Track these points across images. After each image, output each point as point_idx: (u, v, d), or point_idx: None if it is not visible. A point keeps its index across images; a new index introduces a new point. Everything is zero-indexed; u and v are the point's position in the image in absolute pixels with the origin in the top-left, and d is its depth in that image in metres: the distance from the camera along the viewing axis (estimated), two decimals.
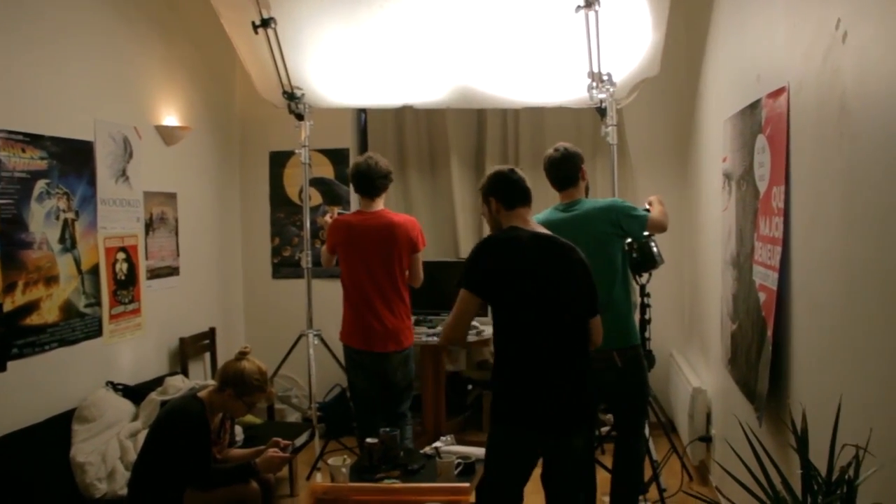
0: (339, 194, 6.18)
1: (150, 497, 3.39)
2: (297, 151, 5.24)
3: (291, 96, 5.04)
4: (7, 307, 3.68)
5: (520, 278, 2.99)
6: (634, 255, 3.95)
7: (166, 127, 5.10)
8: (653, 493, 4.25)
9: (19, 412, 3.74)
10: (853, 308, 2.18)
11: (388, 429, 3.86)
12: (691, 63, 5.31)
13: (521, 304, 3.00)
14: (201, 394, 3.53)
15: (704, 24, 4.74)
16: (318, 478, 4.88)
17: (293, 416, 5.98)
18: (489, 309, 3.11)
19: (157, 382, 4.57)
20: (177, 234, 5.30)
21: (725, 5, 4.11)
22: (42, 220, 3.94)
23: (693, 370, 5.11)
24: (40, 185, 3.93)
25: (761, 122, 3.14)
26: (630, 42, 4.69)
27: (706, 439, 4.59)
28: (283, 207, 6.30)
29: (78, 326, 4.20)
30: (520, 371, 3.01)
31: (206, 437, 3.45)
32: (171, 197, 5.24)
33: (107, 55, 4.54)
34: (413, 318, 4.70)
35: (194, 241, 5.52)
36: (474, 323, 4.96)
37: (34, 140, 3.90)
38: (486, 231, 5.89)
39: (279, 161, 6.26)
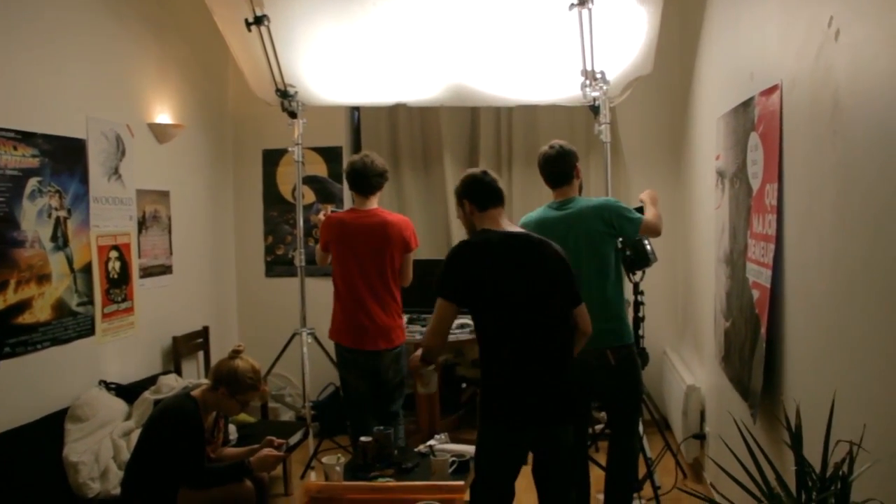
0: (333, 192, 6.17)
1: (144, 497, 3.38)
2: (290, 149, 5.24)
3: (284, 94, 5.03)
4: None
5: (493, 281, 3.02)
6: (628, 253, 3.96)
7: (159, 125, 5.09)
8: (647, 490, 4.26)
9: (12, 411, 3.72)
10: (847, 305, 2.18)
11: (381, 427, 3.86)
12: (685, 61, 5.32)
13: (497, 306, 3.03)
14: (195, 392, 3.52)
15: (698, 22, 4.75)
16: (313, 476, 4.88)
17: (287, 415, 5.97)
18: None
19: (151, 381, 4.56)
20: (170, 232, 5.29)
21: (719, 3, 4.12)
22: (34, 219, 3.92)
23: (687, 368, 5.12)
24: (32, 182, 3.92)
25: (754, 119, 3.14)
26: (623, 40, 4.70)
27: (700, 437, 4.59)
28: (276, 206, 6.29)
29: (70, 325, 4.18)
30: (503, 371, 3.04)
31: (199, 436, 3.45)
32: (164, 195, 5.23)
33: (99, 53, 4.53)
34: (406, 317, 4.70)
35: (187, 240, 5.51)
36: (468, 321, 4.96)
37: (26, 138, 3.88)
38: None
39: (272, 159, 6.25)
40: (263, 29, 4.63)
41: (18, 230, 3.81)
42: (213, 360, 5.27)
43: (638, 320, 4.20)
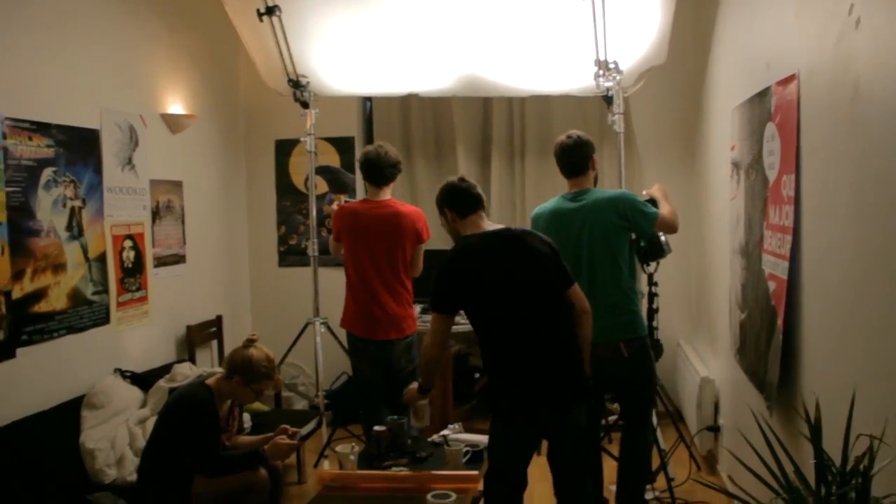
0: (345, 182, 6.17)
1: (160, 484, 3.40)
2: (302, 140, 5.24)
3: (296, 84, 5.02)
4: (16, 294, 3.68)
5: (482, 285, 3.08)
6: (642, 244, 3.94)
7: (171, 115, 5.09)
8: (660, 482, 4.25)
9: (29, 398, 3.75)
10: (865, 297, 2.17)
11: (395, 417, 3.86)
12: (699, 51, 5.29)
13: (490, 307, 3.09)
14: (209, 381, 3.54)
15: (712, 10, 4.71)
16: (326, 465, 4.89)
17: (300, 404, 5.99)
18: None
19: (165, 370, 4.58)
20: (183, 222, 5.30)
21: None
22: (49, 208, 3.94)
23: (701, 359, 5.10)
24: (47, 172, 3.93)
25: (771, 109, 3.12)
26: (637, 29, 4.67)
27: (714, 429, 4.59)
28: (288, 196, 6.29)
29: (86, 314, 4.20)
30: (507, 368, 3.09)
31: (214, 424, 3.46)
32: (177, 185, 5.24)
33: (112, 44, 4.53)
34: (419, 307, 4.70)
35: (201, 230, 5.52)
36: None
37: (41, 128, 3.89)
38: (493, 217, 5.91)
39: (285, 149, 6.25)
40: (275, 19, 4.62)
41: (34, 220, 3.83)
42: (227, 349, 5.29)
43: (652, 312, 4.19)
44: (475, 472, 3.37)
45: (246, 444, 3.72)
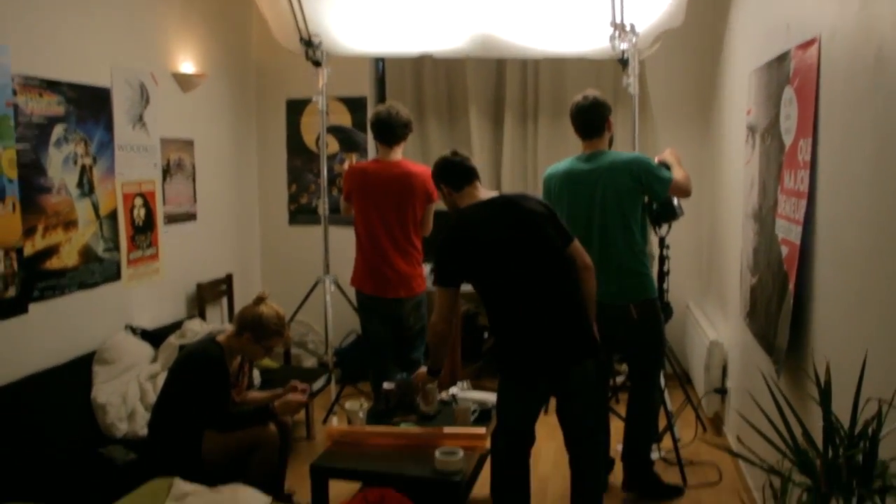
0: (357, 142, 6.15)
1: (170, 438, 3.44)
2: (314, 99, 5.21)
3: (308, 43, 4.99)
4: (27, 251, 3.70)
5: (482, 254, 3.12)
6: (655, 206, 3.93)
7: (182, 74, 5.07)
8: (667, 442, 4.28)
9: (42, 354, 3.79)
10: (880, 262, 2.16)
11: (404, 374, 3.88)
12: (717, 13, 5.22)
13: (491, 272, 3.13)
14: (220, 338, 3.56)
15: None
16: (335, 421, 4.93)
17: (309, 362, 6.03)
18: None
19: (176, 326, 4.61)
20: (194, 180, 5.30)
21: None
22: (60, 166, 3.94)
23: (710, 322, 5.11)
24: (58, 130, 3.92)
25: (789, 73, 3.09)
26: None
27: (722, 392, 4.60)
28: (300, 155, 6.28)
29: (97, 270, 4.22)
30: (513, 327, 3.14)
31: (224, 380, 3.49)
32: (188, 143, 5.23)
33: (123, 1, 4.50)
34: (428, 266, 4.71)
35: (211, 188, 5.52)
36: None
37: (51, 86, 3.88)
38: (505, 181, 5.92)
39: (296, 109, 6.22)
40: None
41: (45, 177, 3.83)
42: (237, 307, 5.32)
43: (662, 274, 4.19)
44: (483, 430, 3.40)
45: (256, 400, 3.76)
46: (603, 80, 5.69)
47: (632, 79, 4.56)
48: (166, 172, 4.95)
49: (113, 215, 4.37)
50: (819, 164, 2.70)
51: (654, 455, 4.10)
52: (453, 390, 3.81)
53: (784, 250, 3.07)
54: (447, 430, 3.41)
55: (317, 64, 5.09)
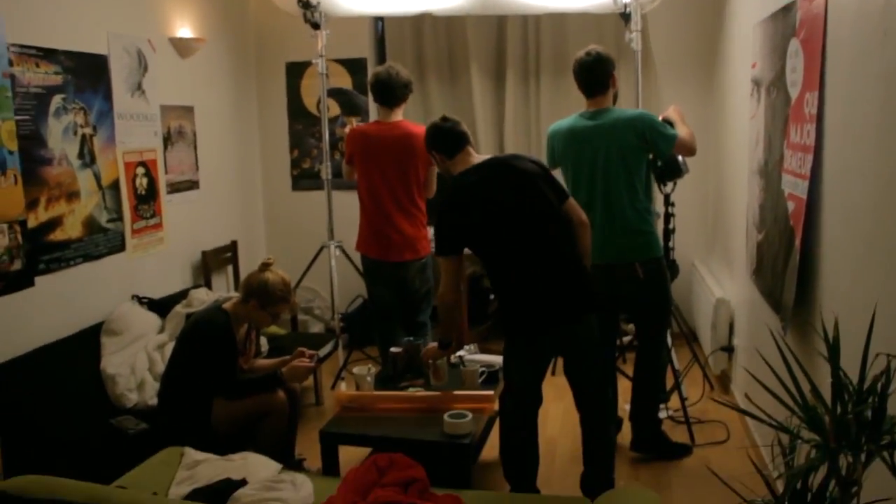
0: (358, 104, 6.10)
1: (180, 406, 3.46)
2: (314, 62, 5.16)
3: (307, 5, 4.92)
4: (31, 223, 3.69)
5: (480, 219, 3.13)
6: (659, 163, 3.90)
7: (180, 39, 5.01)
8: (674, 401, 4.29)
9: (49, 326, 3.80)
10: (887, 216, 2.13)
11: (411, 338, 3.89)
12: None
13: (489, 236, 3.14)
14: (226, 305, 3.56)
15: None
16: (343, 387, 4.94)
17: (316, 327, 6.05)
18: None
19: (182, 295, 4.61)
20: (195, 147, 5.27)
21: None
22: (60, 136, 3.91)
23: (716, 280, 5.10)
24: (56, 100, 3.89)
25: (795, 25, 3.04)
26: None
27: (728, 349, 4.61)
28: (301, 119, 6.23)
29: (101, 241, 4.22)
30: (515, 288, 3.15)
31: (231, 347, 3.50)
32: (189, 110, 5.19)
33: None
34: (431, 229, 4.70)
35: (213, 155, 5.50)
36: None
37: (47, 54, 3.84)
38: (507, 139, 5.88)
39: (296, 72, 6.17)
40: None
41: (46, 148, 3.81)
42: (242, 274, 5.31)
43: (668, 232, 4.17)
44: (491, 392, 3.41)
45: (263, 367, 3.77)
46: (605, 36, 5.62)
47: (634, 34, 4.50)
48: (167, 140, 4.93)
49: (115, 185, 4.36)
50: (826, 117, 2.67)
51: (662, 414, 4.12)
52: (461, 353, 3.81)
53: (790, 206, 3.04)
54: (455, 393, 3.41)
55: (315, 26, 5.02)
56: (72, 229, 3.98)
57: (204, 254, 5.24)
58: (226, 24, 5.71)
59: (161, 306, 4.43)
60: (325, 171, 5.21)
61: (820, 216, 2.75)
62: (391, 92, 4.27)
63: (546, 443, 3.98)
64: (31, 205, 3.70)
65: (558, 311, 3.12)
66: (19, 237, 3.61)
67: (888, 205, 2.13)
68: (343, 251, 5.28)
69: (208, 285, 5.15)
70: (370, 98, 5.68)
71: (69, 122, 3.98)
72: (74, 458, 3.25)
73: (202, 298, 4.52)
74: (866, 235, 2.31)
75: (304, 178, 6.27)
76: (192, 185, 5.24)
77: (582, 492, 3.37)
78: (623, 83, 5.50)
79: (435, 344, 3.48)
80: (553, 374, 4.50)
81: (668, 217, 4.18)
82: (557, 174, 3.76)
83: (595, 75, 3.71)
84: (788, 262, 3.03)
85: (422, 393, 3.46)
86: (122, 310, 4.18)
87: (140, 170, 4.62)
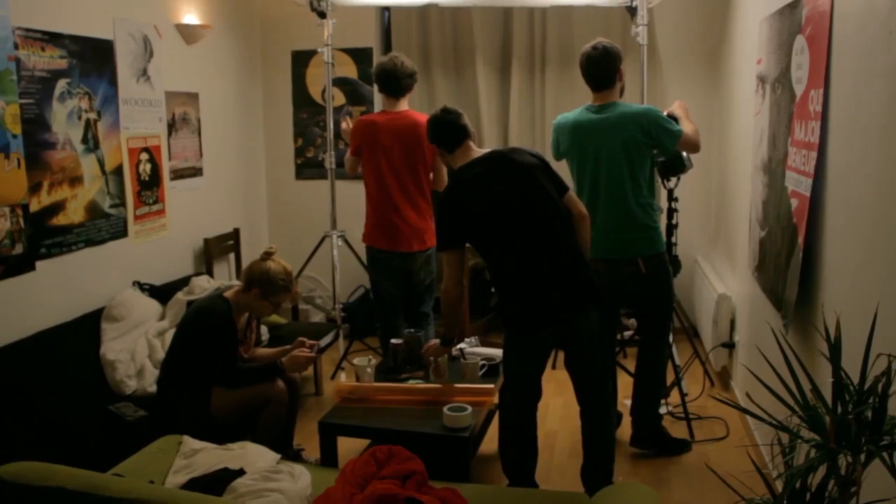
0: (363, 94, 6.09)
1: (179, 394, 3.46)
2: (319, 50, 5.15)
3: None
4: (33, 207, 3.69)
5: (478, 212, 3.14)
6: (663, 159, 3.88)
7: (186, 25, 5.00)
8: (674, 397, 4.29)
9: (50, 311, 3.80)
10: (891, 215, 2.12)
11: (412, 330, 3.89)
12: None
13: (490, 230, 3.14)
14: (227, 294, 3.56)
15: None
16: (343, 377, 4.96)
17: (317, 317, 6.05)
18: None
19: (183, 282, 4.61)
20: (199, 134, 5.26)
21: None
22: (64, 121, 3.91)
23: (718, 276, 5.09)
24: (61, 84, 3.88)
25: (801, 21, 3.02)
26: None
27: (729, 345, 4.60)
28: (305, 108, 6.22)
29: (104, 227, 4.21)
30: (514, 281, 3.15)
31: (232, 336, 3.50)
32: (193, 97, 5.18)
33: None
34: None
35: (217, 142, 5.49)
36: None
37: (53, 38, 3.83)
38: (512, 132, 5.86)
39: (302, 60, 6.15)
40: None
41: (50, 132, 3.80)
42: (244, 262, 5.32)
43: (671, 227, 4.16)
44: (491, 386, 3.41)
45: (264, 357, 3.77)
46: (611, 30, 5.60)
47: (640, 28, 4.49)
48: (171, 127, 4.92)
49: (119, 171, 4.35)
50: (830, 115, 2.66)
51: (662, 410, 4.11)
52: (461, 346, 3.81)
53: (794, 203, 3.03)
54: (455, 386, 3.41)
55: (322, 15, 5.01)
56: (74, 214, 3.98)
57: (206, 241, 5.23)
58: (232, 11, 5.70)
59: (162, 293, 4.43)
60: (329, 161, 5.21)
61: (823, 214, 2.74)
62: (397, 82, 4.26)
63: (545, 437, 3.98)
64: (34, 189, 3.70)
65: (559, 305, 3.11)
66: (21, 221, 3.61)
67: (892, 204, 2.12)
68: (345, 241, 5.28)
69: (210, 273, 5.14)
70: (375, 88, 5.68)
71: (74, 106, 3.97)
72: (72, 443, 3.25)
73: (203, 286, 4.52)
74: (869, 234, 2.30)
75: (307, 167, 6.27)
76: (196, 171, 5.23)
77: (582, 483, 3.37)
78: (628, 77, 5.45)
79: (437, 341, 3.47)
80: (553, 368, 4.50)
81: (670, 212, 4.17)
82: (562, 166, 3.76)
83: (602, 69, 3.69)
84: (791, 260, 3.03)
85: (422, 385, 3.46)
86: (123, 296, 4.17)
87: (144, 156, 4.61)
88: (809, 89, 2.87)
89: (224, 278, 5.38)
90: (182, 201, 5.02)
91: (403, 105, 4.33)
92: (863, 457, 1.66)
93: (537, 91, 5.89)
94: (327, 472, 2.89)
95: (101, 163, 4.18)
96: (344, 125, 4.63)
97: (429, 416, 3.19)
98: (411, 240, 4.30)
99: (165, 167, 4.84)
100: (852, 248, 2.47)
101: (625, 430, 4.04)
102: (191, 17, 5.04)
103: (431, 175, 4.35)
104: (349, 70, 6.08)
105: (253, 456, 2.90)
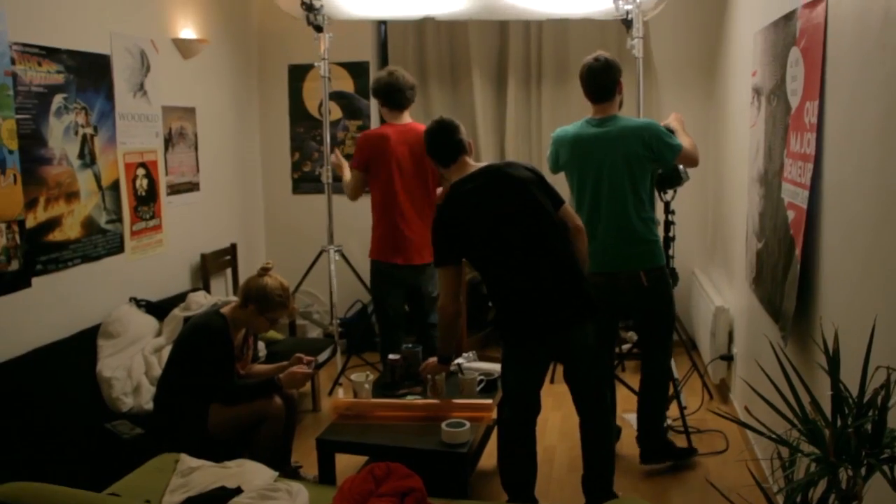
0: (359, 108, 6.10)
1: (176, 412, 3.44)
2: (316, 65, 5.16)
3: (310, 7, 4.92)
4: (29, 223, 3.68)
5: (473, 228, 3.12)
6: (660, 171, 3.88)
7: (183, 40, 5.01)
8: (673, 410, 4.27)
9: (46, 327, 3.78)
10: (888, 226, 2.12)
11: (410, 345, 3.87)
12: None
13: (486, 245, 3.13)
14: (224, 310, 3.54)
15: None
16: (341, 393, 4.94)
17: (315, 332, 6.03)
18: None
19: (180, 298, 4.60)
20: (196, 149, 5.26)
21: None
22: (61, 136, 3.90)
23: (716, 288, 5.08)
24: (58, 99, 3.88)
25: (796, 33, 3.03)
26: None
27: (728, 358, 4.59)
28: (302, 122, 6.23)
29: (100, 242, 4.20)
30: (512, 296, 3.14)
31: (229, 352, 3.48)
32: (190, 111, 5.19)
33: None
34: None
35: (214, 157, 5.49)
36: None
37: (50, 53, 3.83)
38: (508, 145, 5.87)
39: (298, 75, 6.16)
40: None
41: (46, 147, 3.80)
42: (242, 278, 5.30)
43: (668, 240, 4.16)
44: (489, 401, 3.39)
45: (261, 373, 3.75)
46: (607, 42, 5.62)
47: (636, 40, 4.50)
48: (168, 141, 4.92)
49: (115, 186, 4.34)
50: (826, 126, 2.66)
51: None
52: (459, 361, 3.79)
53: (790, 215, 3.03)
54: (453, 401, 3.39)
55: (318, 29, 5.03)
56: (70, 230, 3.97)
57: (203, 256, 5.22)
58: (229, 25, 5.71)
59: (159, 309, 4.42)
60: (326, 175, 5.20)
61: (820, 226, 2.74)
62: (401, 94, 4.29)
63: (544, 451, 3.96)
64: (30, 204, 3.69)
65: (556, 318, 3.10)
66: (17, 237, 3.60)
67: (889, 215, 2.12)
68: (343, 256, 5.27)
69: (207, 288, 5.13)
70: (372, 102, 5.69)
71: (70, 121, 3.97)
72: (68, 462, 3.23)
73: (200, 302, 4.51)
74: (867, 246, 2.30)
75: (304, 182, 6.26)
76: (193, 186, 5.23)
77: (583, 493, 3.38)
78: (624, 90, 5.50)
79: (434, 359, 3.46)
80: (552, 382, 4.49)
81: (668, 225, 4.17)
82: (559, 179, 3.76)
83: (603, 82, 3.68)
84: (788, 272, 3.02)
85: (419, 401, 3.44)
86: (119, 312, 4.16)
87: (140, 171, 4.61)
88: (805, 101, 2.87)
89: (221, 294, 5.37)
90: (179, 216, 5.01)
91: (407, 118, 4.34)
92: (863, 470, 1.65)
93: (533, 104, 5.90)
94: (325, 489, 2.88)
95: (97, 178, 4.18)
96: (334, 158, 4.60)
97: (427, 432, 3.17)
98: (423, 251, 4.27)
99: (162, 182, 4.84)
100: (850, 260, 2.46)
101: (624, 444, 4.02)
102: (188, 32, 5.05)
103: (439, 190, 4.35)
104: (346, 84, 6.09)
105: (250, 474, 2.88)
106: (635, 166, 3.62)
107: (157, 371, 3.89)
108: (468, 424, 3.11)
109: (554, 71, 5.80)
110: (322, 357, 4.68)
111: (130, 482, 2.86)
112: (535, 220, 3.10)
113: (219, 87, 5.61)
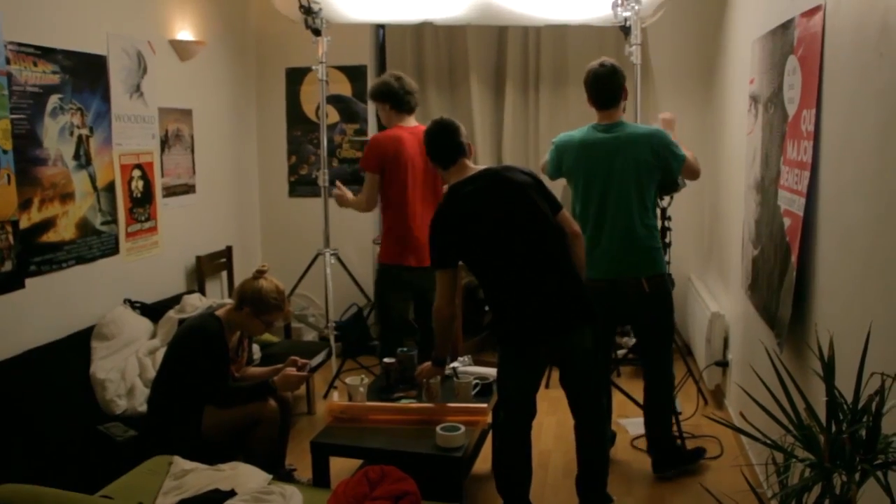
0: (356, 112, 6.10)
1: (169, 414, 3.43)
2: (314, 68, 5.16)
3: (308, 10, 4.92)
4: (23, 224, 3.67)
5: (471, 230, 3.13)
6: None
7: (180, 41, 5.00)
8: None
9: (39, 329, 3.77)
10: (885, 234, 2.12)
11: (405, 349, 3.87)
12: None
13: (484, 248, 3.13)
14: (219, 312, 3.54)
15: None
16: (335, 396, 4.92)
17: (310, 335, 6.02)
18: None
19: (175, 300, 4.59)
20: (192, 151, 5.25)
21: None
22: (56, 136, 3.89)
23: (711, 295, 5.08)
24: (53, 100, 3.87)
25: (793, 42, 3.03)
26: None
27: (723, 364, 4.59)
28: (299, 125, 6.22)
29: (95, 244, 4.19)
30: (509, 300, 3.14)
31: (223, 355, 3.47)
32: (187, 113, 5.18)
33: None
34: None
35: (210, 159, 5.48)
36: None
37: (45, 53, 3.82)
38: (505, 150, 5.87)
39: (296, 78, 6.16)
40: None
41: (41, 148, 3.79)
42: (237, 280, 5.29)
43: (665, 246, 4.16)
44: (484, 405, 3.39)
45: (255, 376, 3.74)
46: (605, 49, 5.61)
47: (634, 47, 4.50)
48: (164, 143, 4.91)
49: (110, 187, 4.34)
50: (823, 134, 2.66)
51: None
52: (454, 365, 3.79)
53: (787, 222, 3.04)
54: (448, 405, 3.38)
55: (316, 32, 5.03)
56: (65, 231, 3.96)
57: (198, 259, 5.21)
58: (226, 27, 5.70)
59: (153, 311, 4.40)
60: (323, 178, 5.20)
61: (816, 233, 2.74)
62: (410, 96, 4.34)
63: (539, 456, 3.95)
64: (24, 205, 3.68)
65: (553, 323, 3.11)
66: (11, 238, 3.59)
67: (885, 223, 2.12)
68: (339, 259, 5.26)
69: (202, 291, 5.12)
70: (370, 105, 5.70)
71: (65, 122, 3.96)
72: (61, 464, 3.22)
73: (195, 304, 4.50)
74: (863, 253, 2.30)
75: (301, 185, 6.26)
76: (189, 188, 5.22)
77: (577, 493, 3.39)
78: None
79: (429, 363, 3.45)
80: (547, 387, 4.49)
81: (664, 231, 4.17)
82: (558, 185, 3.76)
83: (609, 87, 3.68)
84: (784, 279, 3.02)
85: (414, 405, 3.43)
86: (113, 314, 4.14)
87: (136, 172, 4.60)
88: (802, 109, 2.88)
89: (216, 296, 5.36)
90: (174, 218, 5.00)
91: (413, 121, 4.37)
92: (857, 476, 1.65)
93: (531, 109, 5.90)
94: (319, 492, 2.87)
95: (92, 179, 4.17)
96: (337, 191, 4.55)
97: (422, 435, 3.16)
98: None
99: (158, 184, 4.83)
100: (845, 267, 2.46)
101: (619, 449, 4.02)
102: (185, 34, 5.05)
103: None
104: (343, 88, 6.09)
105: (244, 476, 2.87)
106: (643, 173, 3.61)
107: (152, 373, 3.88)
108: (463, 428, 3.10)
109: (552, 77, 5.80)
110: (317, 360, 4.64)
111: (124, 484, 2.85)
112: (533, 223, 3.10)
113: (216, 89, 5.61)
